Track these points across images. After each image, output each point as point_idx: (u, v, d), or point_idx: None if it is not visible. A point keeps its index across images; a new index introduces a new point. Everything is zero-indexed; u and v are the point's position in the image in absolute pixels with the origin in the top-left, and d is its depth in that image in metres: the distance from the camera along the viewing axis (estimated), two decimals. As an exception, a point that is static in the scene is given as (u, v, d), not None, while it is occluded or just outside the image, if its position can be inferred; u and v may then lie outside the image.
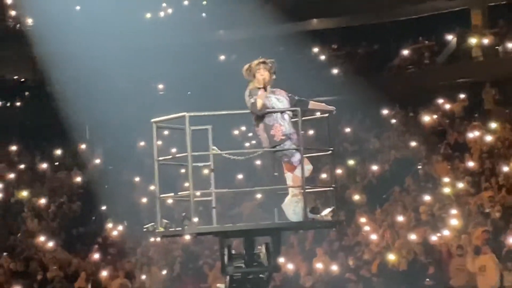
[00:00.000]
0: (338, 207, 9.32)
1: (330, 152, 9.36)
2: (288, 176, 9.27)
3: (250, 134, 24.56)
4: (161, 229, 9.26)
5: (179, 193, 9.81)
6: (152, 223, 9.41)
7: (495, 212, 19.04)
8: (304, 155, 9.08)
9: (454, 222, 18.79)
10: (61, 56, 27.54)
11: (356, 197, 21.79)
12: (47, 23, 28.16)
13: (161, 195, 9.37)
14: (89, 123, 28.54)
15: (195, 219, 8.99)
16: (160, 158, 9.39)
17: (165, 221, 9.29)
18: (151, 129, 9.33)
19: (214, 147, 9.40)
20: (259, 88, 9.25)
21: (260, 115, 9.18)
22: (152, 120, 9.27)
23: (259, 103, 9.14)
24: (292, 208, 9.19)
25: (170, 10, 28.91)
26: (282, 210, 9.29)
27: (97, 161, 26.84)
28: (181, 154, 9.14)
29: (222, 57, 28.74)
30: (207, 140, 9.50)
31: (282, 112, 9.21)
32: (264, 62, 9.37)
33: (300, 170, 9.03)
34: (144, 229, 9.58)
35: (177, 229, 9.22)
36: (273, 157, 9.42)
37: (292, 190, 9.21)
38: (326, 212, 9.20)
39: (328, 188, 9.59)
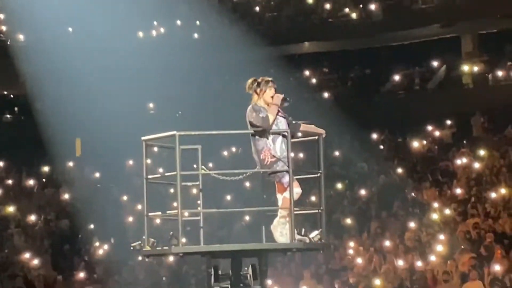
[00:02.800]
0: (326, 230, 9.32)
1: (319, 174, 9.36)
2: (279, 197, 9.27)
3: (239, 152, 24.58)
4: (148, 248, 9.23)
5: (167, 212, 9.81)
6: (139, 242, 9.38)
7: (482, 239, 19.08)
8: (294, 177, 9.09)
9: (441, 248, 18.82)
10: (52, 73, 27.55)
11: (344, 221, 21.80)
12: (39, 40, 28.21)
13: (149, 214, 9.35)
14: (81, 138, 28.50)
15: (183, 239, 8.97)
16: (150, 177, 9.39)
17: (152, 240, 9.27)
18: (140, 148, 9.33)
19: (203, 167, 9.40)
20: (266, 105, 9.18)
21: (259, 136, 9.11)
22: (143, 138, 9.26)
23: (271, 118, 9.06)
24: (280, 230, 9.18)
25: (162, 30, 28.97)
26: (270, 232, 9.28)
27: (86, 178, 26.76)
28: (171, 173, 9.14)
29: (214, 78, 28.80)
30: (196, 160, 9.51)
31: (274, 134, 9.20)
32: (273, 81, 9.35)
33: (289, 192, 9.03)
34: (131, 248, 9.55)
35: (164, 248, 9.20)
36: (263, 179, 9.42)
37: (281, 212, 9.21)
38: (314, 234, 9.19)
39: (316, 211, 9.58)
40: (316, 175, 9.43)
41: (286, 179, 9.09)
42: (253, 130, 9.14)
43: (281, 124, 9.25)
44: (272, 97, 9.21)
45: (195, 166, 9.47)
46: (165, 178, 9.62)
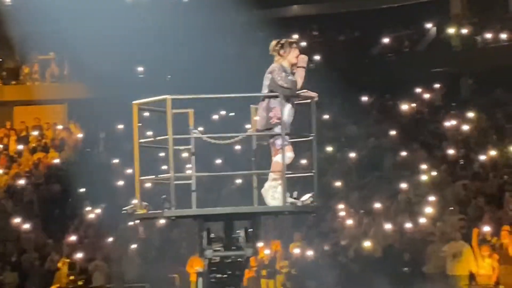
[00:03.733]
0: (317, 193, 9.36)
1: (311, 138, 9.37)
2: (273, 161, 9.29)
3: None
4: (141, 212, 9.25)
5: (160, 175, 9.80)
6: (132, 205, 9.39)
7: (471, 200, 19.23)
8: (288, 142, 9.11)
9: (430, 210, 18.96)
10: (40, 36, 27.39)
11: (334, 184, 21.88)
12: (25, 2, 27.99)
13: (141, 177, 9.35)
14: (68, 103, 28.46)
15: (174, 202, 8.98)
16: (141, 141, 9.37)
17: (145, 203, 9.28)
18: (130, 112, 9.30)
19: (196, 131, 9.38)
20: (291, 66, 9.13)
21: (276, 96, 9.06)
22: (134, 102, 9.22)
23: (300, 82, 9.05)
24: (271, 193, 9.20)
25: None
26: (261, 195, 9.31)
27: (76, 142, 26.76)
28: (163, 137, 9.12)
29: (203, 41, 28.66)
30: (187, 123, 9.49)
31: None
32: (296, 42, 9.32)
33: (281, 156, 9.05)
34: (123, 211, 9.56)
35: (157, 211, 9.22)
36: (257, 141, 9.45)
37: (272, 175, 9.23)
38: (306, 197, 9.22)
39: (308, 174, 9.60)
40: (308, 139, 9.44)
41: (279, 142, 9.09)
42: (277, 91, 8.99)
43: None
44: (296, 57, 9.17)
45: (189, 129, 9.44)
46: (157, 142, 9.61)
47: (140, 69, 28.28)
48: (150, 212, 9.27)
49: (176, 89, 27.31)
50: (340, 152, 23.62)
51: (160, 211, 9.06)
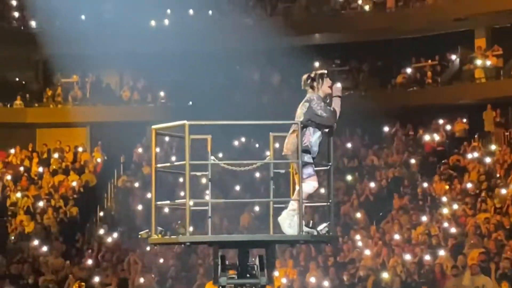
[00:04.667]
0: (334, 222, 9.27)
1: (328, 167, 9.31)
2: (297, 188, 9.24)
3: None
4: (155, 237, 9.20)
5: (176, 201, 9.75)
6: (147, 230, 9.35)
7: (491, 233, 19.01)
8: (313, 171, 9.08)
9: (450, 242, 18.75)
10: (63, 59, 27.60)
11: (353, 214, 21.75)
12: (52, 26, 28.24)
13: (158, 202, 9.31)
14: (90, 126, 28.59)
15: (190, 228, 8.94)
16: (158, 165, 9.35)
17: (160, 228, 9.23)
18: (150, 137, 9.28)
19: (213, 157, 9.36)
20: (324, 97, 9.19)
21: (308, 125, 9.06)
22: (153, 127, 9.22)
23: (338, 112, 9.09)
24: (288, 221, 9.14)
25: (174, 19, 28.94)
26: (277, 223, 9.24)
27: (96, 166, 26.82)
28: (179, 162, 9.09)
29: (225, 67, 28.76)
30: (206, 149, 9.45)
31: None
32: (327, 73, 9.36)
33: (306, 184, 9.04)
34: (139, 236, 9.53)
35: (172, 237, 9.16)
36: (275, 169, 9.41)
37: (292, 204, 9.16)
38: (322, 227, 9.16)
39: (325, 203, 9.52)
40: (325, 168, 9.39)
41: (307, 170, 9.05)
42: (315, 120, 9.01)
43: None
44: (330, 87, 9.21)
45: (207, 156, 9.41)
46: (175, 167, 9.56)
47: (162, 94, 28.35)
48: (164, 237, 9.22)
49: (198, 115, 27.43)
50: (360, 181, 23.50)
51: (174, 236, 9.01)
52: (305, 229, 8.97)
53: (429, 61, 27.29)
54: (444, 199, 21.22)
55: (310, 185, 9.03)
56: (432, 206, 21.31)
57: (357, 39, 27.78)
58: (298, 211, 8.91)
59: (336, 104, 9.13)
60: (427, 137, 24.98)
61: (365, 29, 27.24)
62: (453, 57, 27.26)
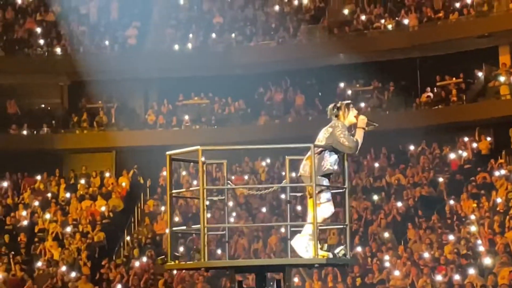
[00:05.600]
0: (351, 245, 9.25)
1: (344, 189, 9.33)
2: (310, 212, 9.24)
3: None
4: (171, 263, 9.22)
5: (193, 226, 9.76)
6: (163, 256, 9.44)
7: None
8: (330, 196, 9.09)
9: (480, 261, 18.60)
10: (90, 84, 27.83)
11: (381, 234, 21.65)
12: (77, 52, 28.49)
13: (174, 228, 9.36)
14: (116, 151, 28.70)
15: (205, 253, 8.91)
16: (174, 191, 9.38)
17: (177, 254, 9.26)
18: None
19: (229, 181, 9.41)
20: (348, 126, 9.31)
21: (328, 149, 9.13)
22: (167, 152, 9.24)
23: (360, 143, 9.18)
24: (305, 245, 9.14)
25: (197, 43, 29.10)
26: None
27: (123, 190, 26.91)
28: (194, 188, 9.13)
29: (250, 90, 28.85)
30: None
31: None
32: (352, 103, 9.49)
33: (323, 209, 9.03)
34: (157, 262, 9.60)
35: (187, 262, 9.17)
36: (292, 192, 9.41)
37: (310, 228, 9.14)
38: (338, 250, 9.17)
39: (341, 226, 9.51)
40: (341, 190, 9.41)
41: (326, 195, 9.06)
42: (337, 147, 9.11)
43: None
44: (355, 117, 9.30)
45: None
46: (191, 192, 9.60)
47: (186, 117, 28.47)
48: (181, 262, 9.22)
49: (222, 138, 27.46)
50: (387, 201, 23.40)
51: (191, 261, 9.01)
52: (320, 252, 8.95)
53: (454, 78, 27.18)
54: (473, 217, 21.07)
55: (328, 209, 9.10)
56: (460, 224, 21.16)
57: (381, 59, 27.75)
58: (313, 234, 8.91)
59: (359, 135, 9.20)
60: (452, 155, 24.86)
61: (388, 49, 27.22)
62: (478, 74, 27.16)
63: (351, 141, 9.10)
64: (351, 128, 9.27)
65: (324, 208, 9.06)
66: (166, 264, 9.25)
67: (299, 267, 9.89)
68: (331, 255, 9.05)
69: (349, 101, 9.50)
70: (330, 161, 9.15)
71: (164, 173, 26.82)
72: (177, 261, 9.18)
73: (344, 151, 9.14)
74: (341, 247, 9.15)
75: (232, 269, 9.20)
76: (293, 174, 10.39)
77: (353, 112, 9.31)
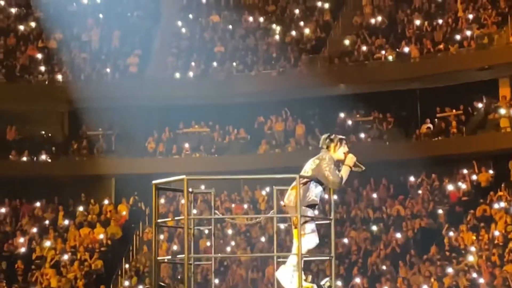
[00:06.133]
0: (336, 276, 9.28)
1: (330, 221, 9.36)
2: (295, 242, 9.25)
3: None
4: None
5: (178, 256, 9.76)
6: (147, 286, 9.49)
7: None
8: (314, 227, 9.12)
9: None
10: (91, 111, 27.86)
11: (379, 265, 21.57)
12: (78, 79, 28.56)
13: (158, 258, 9.39)
14: (115, 178, 28.68)
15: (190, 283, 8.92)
16: (159, 221, 9.39)
17: (162, 284, 9.30)
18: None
19: (217, 211, 9.45)
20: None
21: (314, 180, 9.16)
22: (153, 182, 9.29)
23: (344, 180, 9.20)
24: (290, 276, 9.13)
25: (198, 71, 29.20)
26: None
27: (122, 218, 26.85)
28: (179, 217, 9.19)
29: (251, 118, 28.90)
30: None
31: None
32: (345, 140, 9.51)
33: (307, 240, 9.05)
34: None
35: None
36: (278, 222, 9.44)
37: (294, 259, 9.14)
38: (324, 281, 9.18)
39: (326, 258, 9.54)
40: (327, 222, 9.43)
41: (310, 225, 9.07)
42: (321, 179, 9.15)
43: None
44: (345, 154, 9.33)
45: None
46: (177, 222, 9.60)
47: (187, 145, 28.48)
48: None
49: (223, 166, 27.36)
50: (385, 232, 23.35)
51: None
52: (305, 284, 8.95)
53: (454, 110, 27.23)
54: (472, 249, 21.01)
55: (312, 240, 9.11)
56: (460, 256, 21.09)
57: (381, 89, 27.82)
58: (297, 266, 8.90)
59: (345, 172, 9.24)
60: (451, 187, 24.83)
61: (389, 79, 27.30)
62: (478, 106, 27.21)
63: (335, 176, 9.14)
64: (339, 164, 9.29)
65: (308, 239, 9.08)
66: None
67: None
68: (315, 287, 9.03)
69: (343, 137, 9.52)
70: (315, 192, 9.19)
71: (162, 200, 26.80)
72: None
73: (328, 185, 9.19)
74: (327, 278, 9.19)
75: None
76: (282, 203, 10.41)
77: (344, 148, 9.34)
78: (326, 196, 9.40)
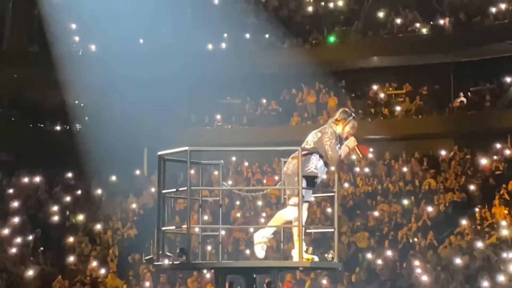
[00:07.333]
0: (339, 249, 9.35)
1: (333, 193, 9.41)
2: (284, 210, 9.37)
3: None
4: (159, 262, 9.34)
5: (183, 226, 9.83)
6: (151, 256, 9.60)
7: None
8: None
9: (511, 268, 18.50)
10: (123, 81, 27.95)
11: (411, 238, 21.57)
12: (111, 50, 28.65)
13: (163, 228, 9.45)
14: (148, 148, 28.82)
15: (191, 254, 9.03)
16: (164, 191, 9.49)
17: (168, 253, 9.39)
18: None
19: (224, 183, 9.55)
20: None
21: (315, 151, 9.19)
22: (158, 153, 9.38)
23: (340, 159, 9.30)
24: (261, 245, 9.27)
25: (231, 42, 29.17)
26: (289, 248, 9.34)
27: (153, 188, 27.01)
28: (182, 188, 9.24)
29: (283, 89, 28.91)
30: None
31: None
32: (356, 120, 9.61)
33: (288, 210, 9.19)
34: (144, 261, 9.77)
35: (175, 262, 9.28)
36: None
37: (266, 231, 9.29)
38: (327, 254, 9.27)
39: (329, 230, 9.62)
40: (331, 194, 9.53)
41: (293, 200, 9.12)
42: (320, 151, 9.26)
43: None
44: (348, 135, 9.38)
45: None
46: (180, 192, 9.74)
47: (218, 116, 28.49)
48: (168, 263, 9.31)
49: (254, 137, 27.29)
50: (417, 206, 23.31)
51: (178, 262, 9.12)
52: (305, 255, 9.04)
53: (488, 84, 27.02)
54: (504, 223, 20.94)
55: (292, 213, 9.18)
56: (492, 230, 21.03)
57: (415, 62, 27.66)
58: (299, 238, 8.95)
59: (344, 152, 9.32)
60: (483, 161, 24.70)
61: (422, 52, 27.13)
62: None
63: (335, 152, 9.23)
64: (340, 139, 9.34)
65: (289, 210, 9.19)
66: (155, 263, 9.39)
67: (284, 270, 10.08)
68: (316, 259, 9.08)
69: (355, 118, 9.57)
70: (316, 164, 9.22)
71: (192, 171, 26.86)
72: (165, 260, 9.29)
73: (324, 158, 9.25)
74: (331, 251, 9.26)
75: (220, 270, 9.31)
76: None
77: (352, 128, 9.42)
78: (333, 168, 9.48)
